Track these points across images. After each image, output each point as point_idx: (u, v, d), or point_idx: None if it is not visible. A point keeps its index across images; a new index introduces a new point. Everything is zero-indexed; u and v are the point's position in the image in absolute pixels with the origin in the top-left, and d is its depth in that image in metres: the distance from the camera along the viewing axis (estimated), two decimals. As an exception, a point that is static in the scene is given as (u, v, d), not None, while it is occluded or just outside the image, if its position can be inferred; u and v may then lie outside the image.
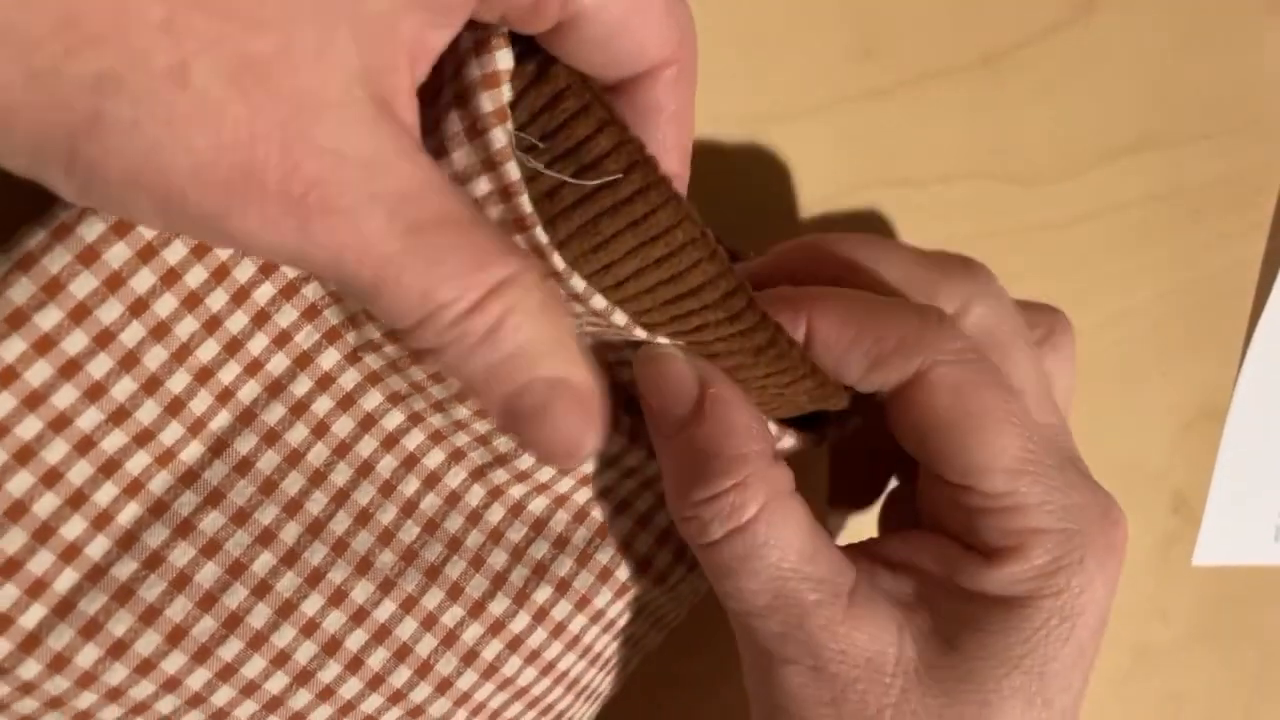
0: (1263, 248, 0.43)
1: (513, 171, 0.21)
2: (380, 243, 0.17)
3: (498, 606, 0.26)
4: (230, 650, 0.24)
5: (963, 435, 0.24)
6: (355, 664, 0.25)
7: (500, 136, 0.20)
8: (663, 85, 0.22)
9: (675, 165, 0.23)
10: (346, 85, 0.17)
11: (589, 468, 0.27)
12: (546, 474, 0.27)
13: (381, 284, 0.18)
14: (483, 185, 0.21)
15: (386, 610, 0.25)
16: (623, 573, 0.28)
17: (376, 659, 0.25)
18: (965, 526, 0.25)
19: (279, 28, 0.16)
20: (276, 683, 0.25)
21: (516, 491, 0.27)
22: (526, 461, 0.26)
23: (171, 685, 0.24)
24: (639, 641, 0.29)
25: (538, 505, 0.27)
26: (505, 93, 0.21)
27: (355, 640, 0.25)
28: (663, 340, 0.24)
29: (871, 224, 0.34)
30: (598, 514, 0.28)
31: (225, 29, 0.16)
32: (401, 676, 0.26)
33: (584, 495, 0.27)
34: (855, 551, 0.26)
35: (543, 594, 0.27)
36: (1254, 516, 0.46)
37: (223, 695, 0.24)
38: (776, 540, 0.24)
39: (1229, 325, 0.43)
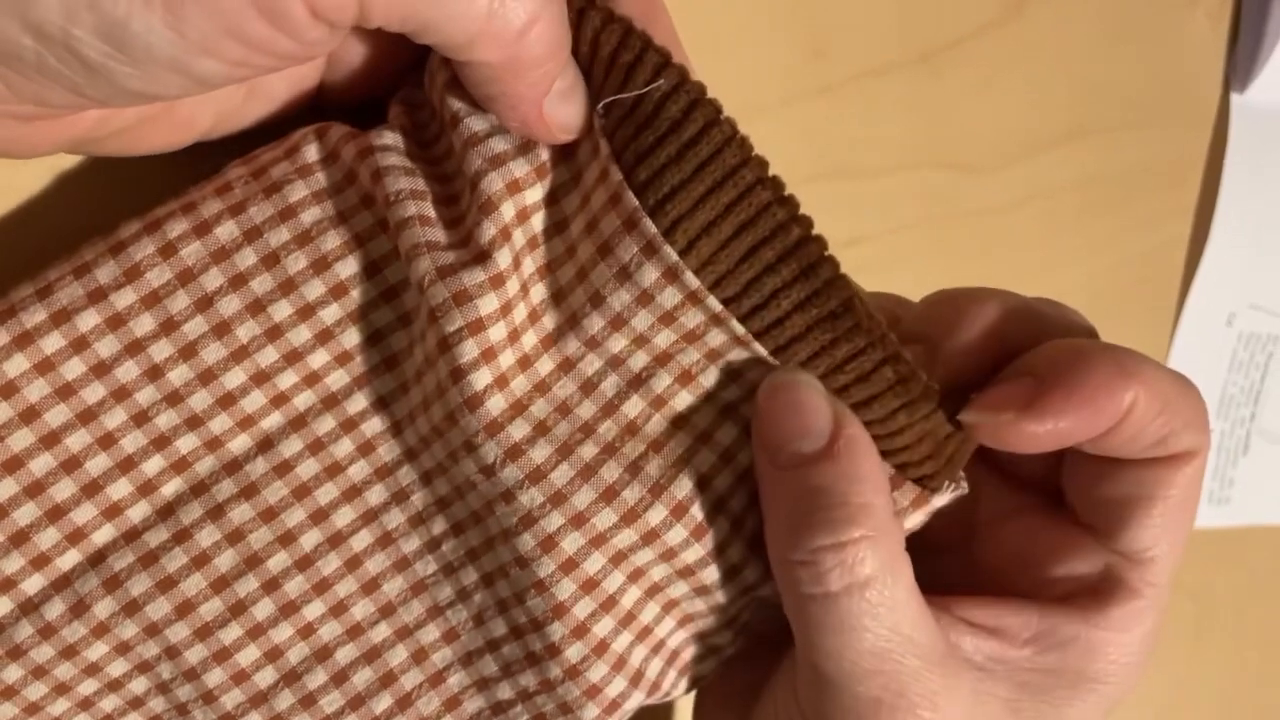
0: (1189, 228, 0.44)
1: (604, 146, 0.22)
2: None
3: (486, 667, 0.26)
4: (230, 634, 0.25)
5: (1172, 523, 0.24)
6: (341, 677, 0.26)
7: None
8: None
9: None
10: None
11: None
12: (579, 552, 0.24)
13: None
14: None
15: (381, 633, 0.26)
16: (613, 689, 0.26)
17: (361, 678, 0.26)
18: (1092, 582, 0.25)
19: None
20: (265, 677, 0.25)
21: (539, 572, 0.25)
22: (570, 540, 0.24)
23: (172, 654, 0.25)
24: None
25: (538, 605, 0.25)
26: None
27: (345, 654, 0.26)
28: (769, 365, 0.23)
29: (826, 215, 0.36)
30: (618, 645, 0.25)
31: None
32: (382, 703, 0.26)
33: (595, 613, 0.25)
34: (934, 607, 0.24)
35: (527, 680, 0.26)
36: (1189, 481, 0.48)
37: (215, 677, 0.25)
38: (892, 603, 0.23)
39: (1161, 300, 0.44)
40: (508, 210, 0.23)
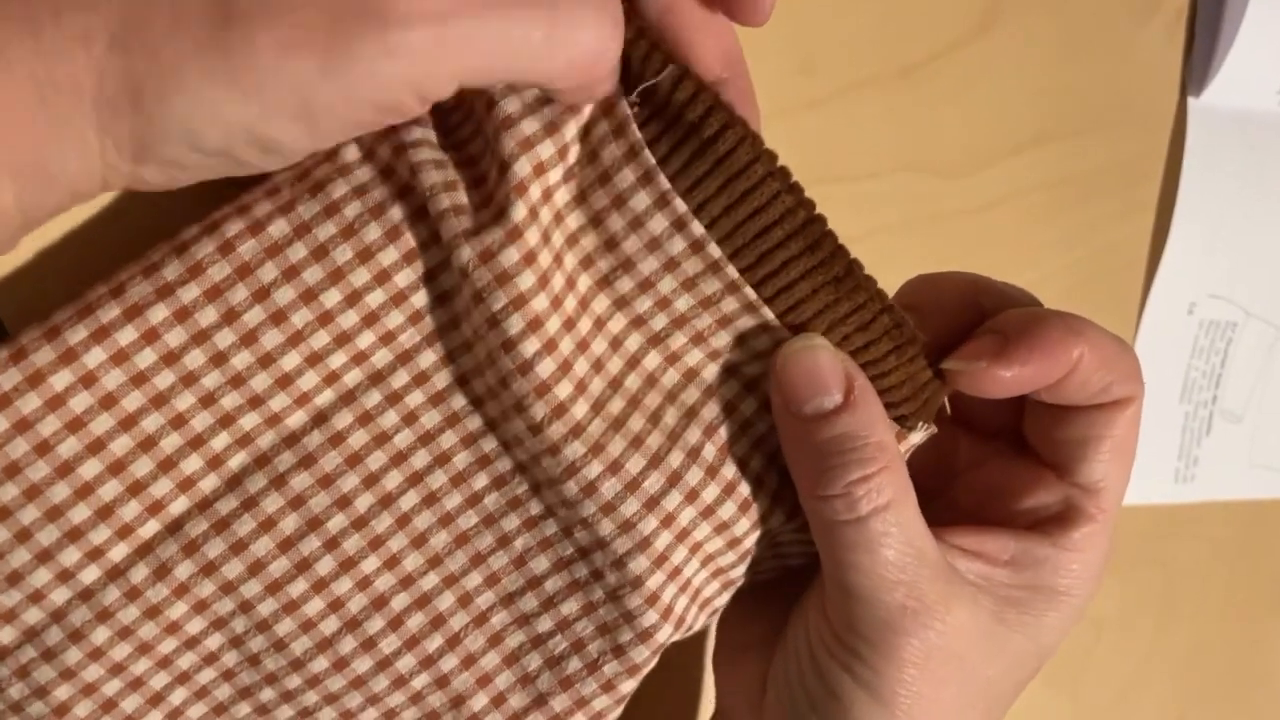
0: (1151, 224, 0.46)
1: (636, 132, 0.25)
2: None
3: (526, 604, 0.28)
4: (297, 589, 0.27)
5: (1117, 458, 0.28)
6: (397, 622, 0.28)
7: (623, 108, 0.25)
8: None
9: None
10: None
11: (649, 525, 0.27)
12: (620, 508, 0.27)
13: None
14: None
15: (430, 581, 0.28)
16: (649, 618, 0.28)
17: (414, 622, 0.28)
18: (1055, 511, 0.28)
19: None
20: (329, 625, 0.28)
21: (582, 512, 0.27)
22: (578, 494, 0.27)
23: (246, 608, 0.27)
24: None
25: (584, 537, 0.28)
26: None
27: (399, 602, 0.28)
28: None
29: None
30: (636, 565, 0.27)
31: None
32: (434, 643, 0.28)
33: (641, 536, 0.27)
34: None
35: (569, 607, 0.28)
36: (1155, 461, 0.49)
37: (284, 626, 0.27)
38: (906, 520, 0.26)
39: (1125, 291, 0.46)
40: (535, 190, 0.25)
